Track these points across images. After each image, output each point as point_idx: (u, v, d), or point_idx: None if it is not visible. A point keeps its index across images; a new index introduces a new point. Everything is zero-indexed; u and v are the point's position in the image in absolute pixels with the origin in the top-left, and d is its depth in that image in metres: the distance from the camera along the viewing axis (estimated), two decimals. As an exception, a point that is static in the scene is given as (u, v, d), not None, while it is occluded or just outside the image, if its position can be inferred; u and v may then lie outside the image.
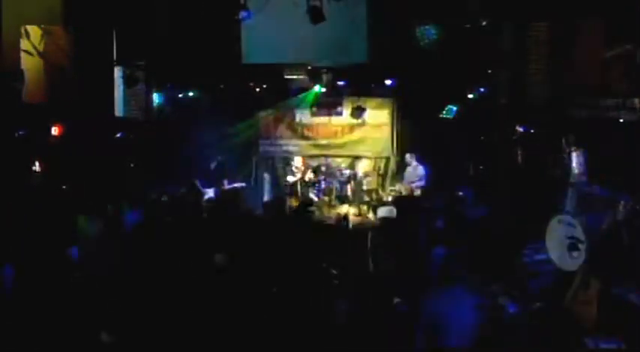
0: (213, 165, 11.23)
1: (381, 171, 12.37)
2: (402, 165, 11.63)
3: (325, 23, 8.96)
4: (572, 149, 7.65)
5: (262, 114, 12.54)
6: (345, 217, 9.58)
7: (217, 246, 5.67)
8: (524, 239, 7.04)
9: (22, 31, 8.33)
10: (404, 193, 10.75)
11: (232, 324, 4.63)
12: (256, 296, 5.05)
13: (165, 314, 4.69)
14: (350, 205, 11.67)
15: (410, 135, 11.95)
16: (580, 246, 6.13)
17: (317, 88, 11.92)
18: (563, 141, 8.02)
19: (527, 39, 8.49)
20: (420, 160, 11.01)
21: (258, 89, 12.11)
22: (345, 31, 10.34)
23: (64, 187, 8.51)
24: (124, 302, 4.80)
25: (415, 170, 10.94)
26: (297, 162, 12.10)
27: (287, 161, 12.42)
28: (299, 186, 11.73)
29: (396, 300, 5.37)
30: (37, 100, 8.25)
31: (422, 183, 10.79)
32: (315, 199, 11.46)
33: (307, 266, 5.74)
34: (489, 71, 10.11)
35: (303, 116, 12.56)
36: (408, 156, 11.16)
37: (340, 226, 8.72)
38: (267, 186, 12.34)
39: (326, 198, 11.75)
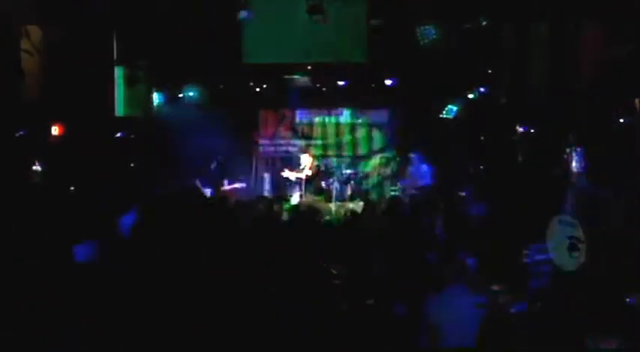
0: (213, 165, 11.21)
1: (381, 171, 12.34)
2: (403, 165, 11.60)
3: (325, 23, 8.97)
4: (572, 148, 7.65)
5: (262, 113, 12.53)
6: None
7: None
8: (525, 239, 7.03)
9: (22, 31, 8.32)
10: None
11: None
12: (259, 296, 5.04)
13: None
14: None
15: (410, 135, 11.93)
16: (580, 246, 6.13)
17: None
18: (563, 140, 8.02)
19: (527, 39, 8.50)
20: (422, 159, 10.99)
21: (258, 89, 12.09)
22: (345, 31, 10.34)
23: (66, 188, 8.48)
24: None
25: (418, 169, 10.91)
26: (304, 159, 11.39)
27: (288, 160, 12.25)
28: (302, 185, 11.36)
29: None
30: (36, 100, 8.25)
31: (427, 181, 10.75)
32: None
33: (308, 266, 5.72)
34: (489, 71, 10.10)
35: (303, 116, 12.56)
36: (410, 155, 11.12)
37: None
38: (267, 186, 12.31)
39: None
